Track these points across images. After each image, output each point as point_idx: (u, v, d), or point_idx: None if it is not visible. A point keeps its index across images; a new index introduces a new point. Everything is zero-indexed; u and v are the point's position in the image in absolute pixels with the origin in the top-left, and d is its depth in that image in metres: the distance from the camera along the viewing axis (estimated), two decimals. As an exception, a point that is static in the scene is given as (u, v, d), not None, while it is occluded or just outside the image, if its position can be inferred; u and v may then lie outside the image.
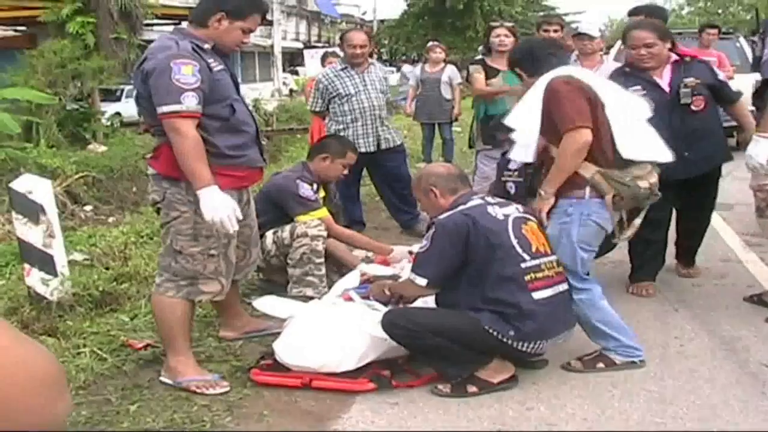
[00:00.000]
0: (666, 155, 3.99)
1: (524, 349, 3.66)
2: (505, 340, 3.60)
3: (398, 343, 3.77)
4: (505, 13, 37.58)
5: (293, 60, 44.51)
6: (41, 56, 13.07)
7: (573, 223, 3.86)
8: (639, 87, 4.85)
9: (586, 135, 3.73)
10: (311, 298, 4.79)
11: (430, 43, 11.38)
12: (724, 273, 5.68)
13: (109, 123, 15.20)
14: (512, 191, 4.99)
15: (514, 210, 3.85)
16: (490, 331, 3.59)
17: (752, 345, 4.30)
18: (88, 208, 8.79)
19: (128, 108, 22.53)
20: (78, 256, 5.79)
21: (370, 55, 7.12)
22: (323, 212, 5.29)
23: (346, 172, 5.66)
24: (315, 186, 5.38)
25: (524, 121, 3.97)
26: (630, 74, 5.04)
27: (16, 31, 19.10)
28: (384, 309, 4.02)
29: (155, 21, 19.01)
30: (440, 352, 3.66)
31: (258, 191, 5.24)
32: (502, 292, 3.61)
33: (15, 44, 17.01)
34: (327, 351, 3.82)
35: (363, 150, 6.63)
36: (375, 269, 5.01)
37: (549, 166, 3.93)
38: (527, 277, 3.64)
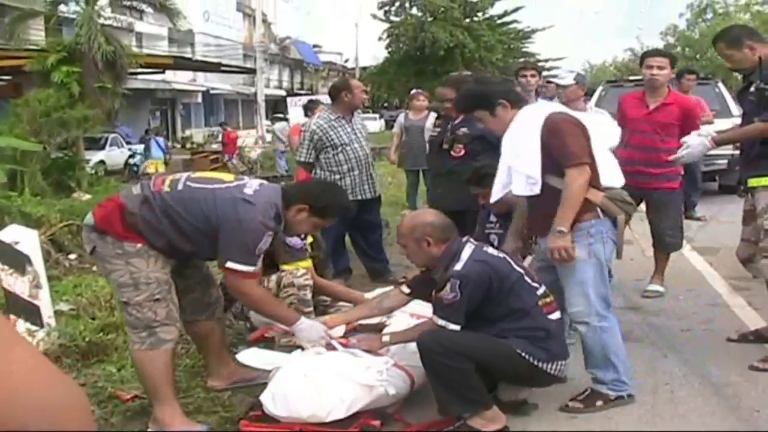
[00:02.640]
0: (620, 180, 4.48)
1: (553, 371, 3.84)
2: (536, 363, 3.77)
3: (427, 363, 3.79)
4: (485, 59, 38.04)
5: (276, 107, 44.75)
6: (26, 105, 13.11)
7: (597, 242, 4.04)
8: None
9: (588, 170, 3.93)
10: (300, 347, 4.75)
11: (414, 91, 11.44)
12: (712, 318, 5.70)
13: (93, 171, 15.23)
14: (495, 243, 5.04)
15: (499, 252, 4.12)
16: (523, 355, 3.74)
17: (742, 390, 4.30)
18: (72, 256, 8.71)
19: (112, 156, 22.66)
20: (64, 306, 5.73)
21: None
22: (307, 263, 5.27)
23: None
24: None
25: (526, 155, 4.05)
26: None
27: (1, 80, 19.16)
28: (367, 356, 4.01)
29: (139, 70, 19.13)
30: (460, 380, 3.68)
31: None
32: (526, 320, 3.81)
33: (0, 93, 17.06)
34: (316, 401, 3.78)
35: (359, 197, 6.67)
36: None
37: (548, 195, 4.00)
38: (541, 302, 3.85)
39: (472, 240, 4.06)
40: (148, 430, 3.86)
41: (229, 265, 3.78)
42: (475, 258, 3.84)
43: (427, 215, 4.20)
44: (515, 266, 3.91)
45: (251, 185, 3.94)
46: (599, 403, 4.06)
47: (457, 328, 3.78)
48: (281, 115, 25.91)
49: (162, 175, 4.49)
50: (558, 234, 3.96)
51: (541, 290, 3.89)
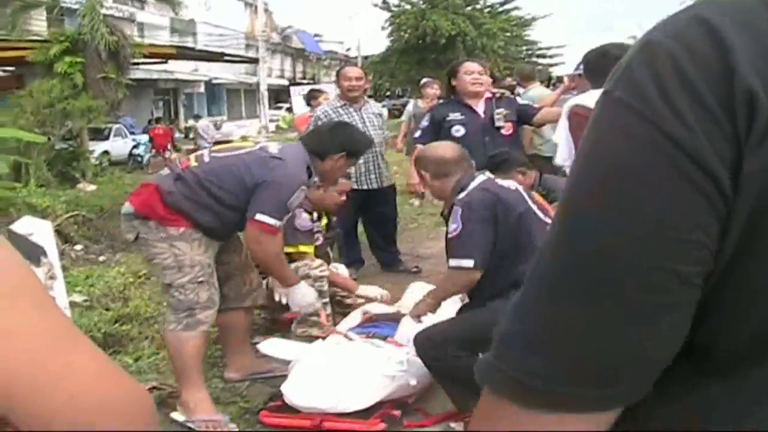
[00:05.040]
0: None
1: None
2: None
3: (425, 363, 3.67)
4: (487, 47, 37.87)
5: (278, 97, 44.67)
6: (30, 96, 13.06)
7: None
8: (459, 113, 5.90)
9: None
10: (317, 337, 4.73)
11: (426, 80, 11.28)
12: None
13: (97, 162, 15.19)
14: None
15: (513, 182, 3.90)
16: None
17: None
18: (78, 247, 8.72)
19: (116, 147, 22.60)
20: (78, 298, 5.72)
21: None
22: (309, 249, 5.23)
23: (343, 198, 5.43)
24: (315, 215, 5.34)
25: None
26: (453, 102, 6.07)
27: (4, 71, 19.11)
28: (388, 346, 3.98)
29: (142, 60, 19.06)
30: (467, 375, 3.54)
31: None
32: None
33: (3, 85, 17.01)
34: (336, 391, 3.75)
35: (365, 187, 6.60)
36: (377, 308, 4.98)
37: None
38: None
39: (487, 172, 3.91)
40: (173, 414, 3.85)
41: (258, 217, 3.77)
42: (481, 187, 3.65)
43: (433, 150, 4.03)
44: (528, 200, 3.65)
45: (273, 146, 4.04)
46: None
47: (470, 263, 3.50)
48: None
49: (184, 157, 4.58)
50: None
51: None
